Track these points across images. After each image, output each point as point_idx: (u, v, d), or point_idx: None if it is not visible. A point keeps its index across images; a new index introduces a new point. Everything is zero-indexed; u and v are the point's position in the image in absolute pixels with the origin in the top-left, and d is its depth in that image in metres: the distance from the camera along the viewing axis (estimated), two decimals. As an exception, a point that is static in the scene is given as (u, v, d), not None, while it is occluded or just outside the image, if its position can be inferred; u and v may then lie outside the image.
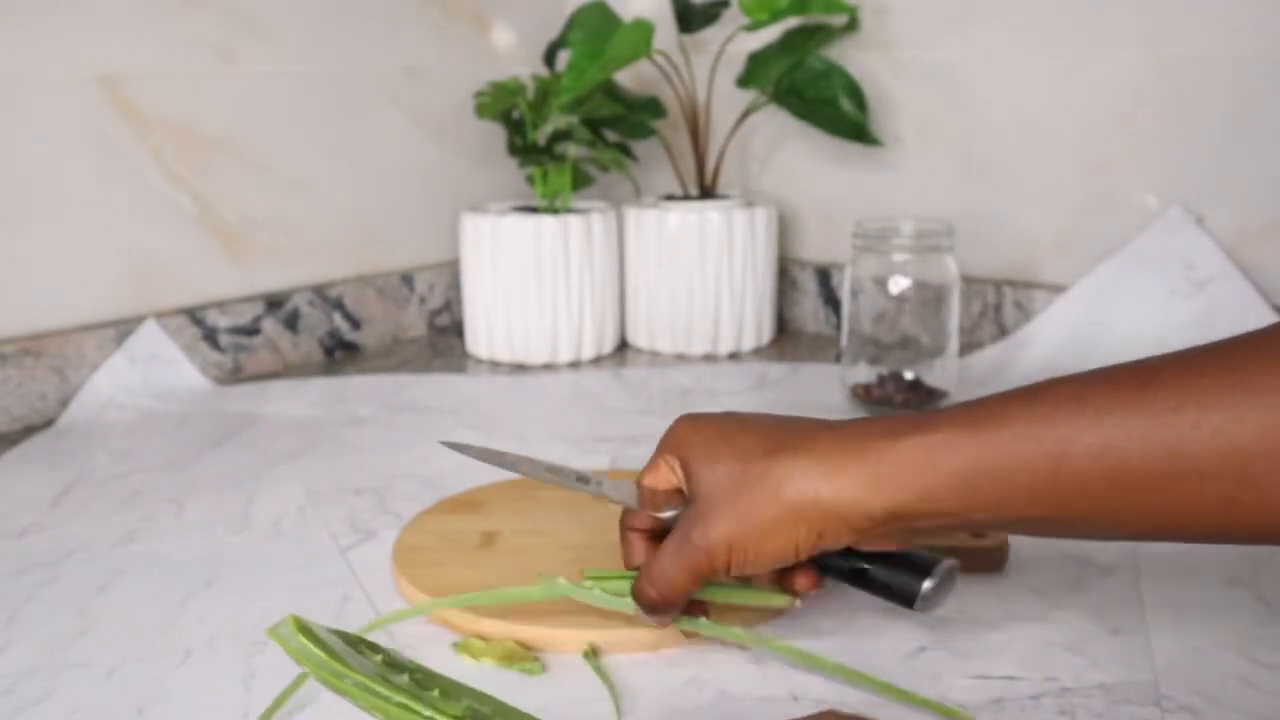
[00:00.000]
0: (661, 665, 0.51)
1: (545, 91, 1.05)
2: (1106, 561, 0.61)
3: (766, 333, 1.11)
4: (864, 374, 0.90)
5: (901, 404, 0.87)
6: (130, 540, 0.66)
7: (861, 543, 0.46)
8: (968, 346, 1.03)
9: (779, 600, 0.50)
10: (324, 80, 1.06)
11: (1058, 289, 1.01)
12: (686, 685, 0.50)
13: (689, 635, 0.52)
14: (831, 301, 1.15)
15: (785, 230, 1.17)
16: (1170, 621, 0.54)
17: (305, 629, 0.44)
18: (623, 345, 1.12)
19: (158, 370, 0.95)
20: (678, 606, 0.48)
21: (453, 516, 0.66)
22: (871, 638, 0.53)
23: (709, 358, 1.07)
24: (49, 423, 0.90)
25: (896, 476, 0.43)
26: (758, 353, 1.09)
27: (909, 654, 0.52)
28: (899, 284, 0.87)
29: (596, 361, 1.07)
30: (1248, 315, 0.89)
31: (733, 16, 1.11)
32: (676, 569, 0.47)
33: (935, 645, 0.52)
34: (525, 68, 1.21)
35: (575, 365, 1.05)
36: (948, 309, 0.88)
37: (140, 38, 0.94)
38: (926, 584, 0.48)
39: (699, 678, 0.50)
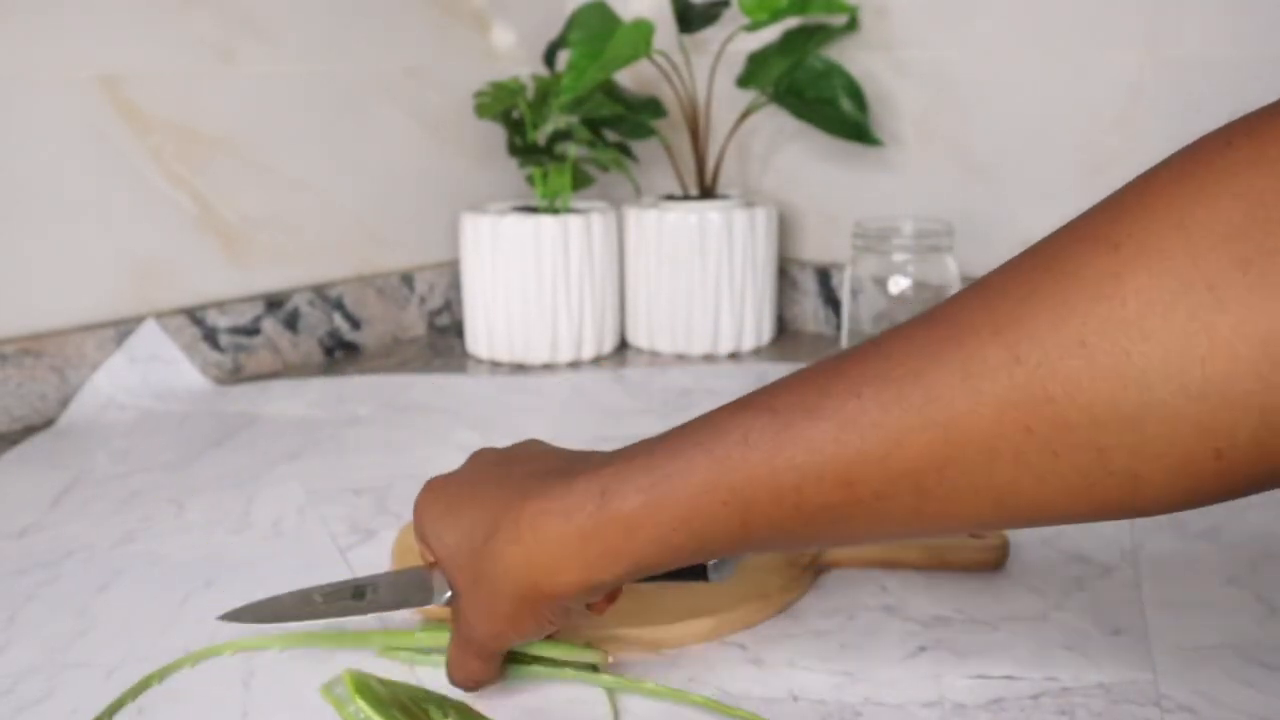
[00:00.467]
0: (661, 665, 0.51)
1: (545, 91, 1.05)
2: (1106, 561, 0.61)
3: (766, 333, 1.11)
4: (864, 374, 0.90)
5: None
6: (130, 540, 0.66)
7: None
8: (968, 346, 1.03)
9: (590, 656, 0.49)
10: (324, 80, 1.06)
11: (1058, 289, 1.01)
12: (686, 685, 0.50)
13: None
14: (831, 301, 1.15)
15: (785, 230, 1.17)
16: (1170, 621, 0.54)
17: (364, 688, 0.42)
18: (623, 345, 1.12)
19: (158, 370, 0.95)
20: (490, 681, 0.48)
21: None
22: (871, 638, 0.53)
23: (709, 358, 1.07)
24: (49, 423, 0.90)
25: (604, 554, 0.42)
26: (758, 353, 1.09)
27: (909, 654, 0.52)
28: (899, 284, 0.87)
29: (596, 361, 1.07)
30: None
31: (732, 16, 1.11)
32: (467, 659, 0.47)
33: (935, 645, 0.52)
34: (525, 68, 1.21)
35: (575, 365, 1.05)
36: (948, 309, 0.87)
37: (140, 38, 0.94)
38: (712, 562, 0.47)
39: (699, 678, 0.50)
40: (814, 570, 0.59)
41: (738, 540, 0.40)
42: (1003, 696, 0.48)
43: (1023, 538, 0.63)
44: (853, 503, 0.37)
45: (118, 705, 0.48)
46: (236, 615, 0.50)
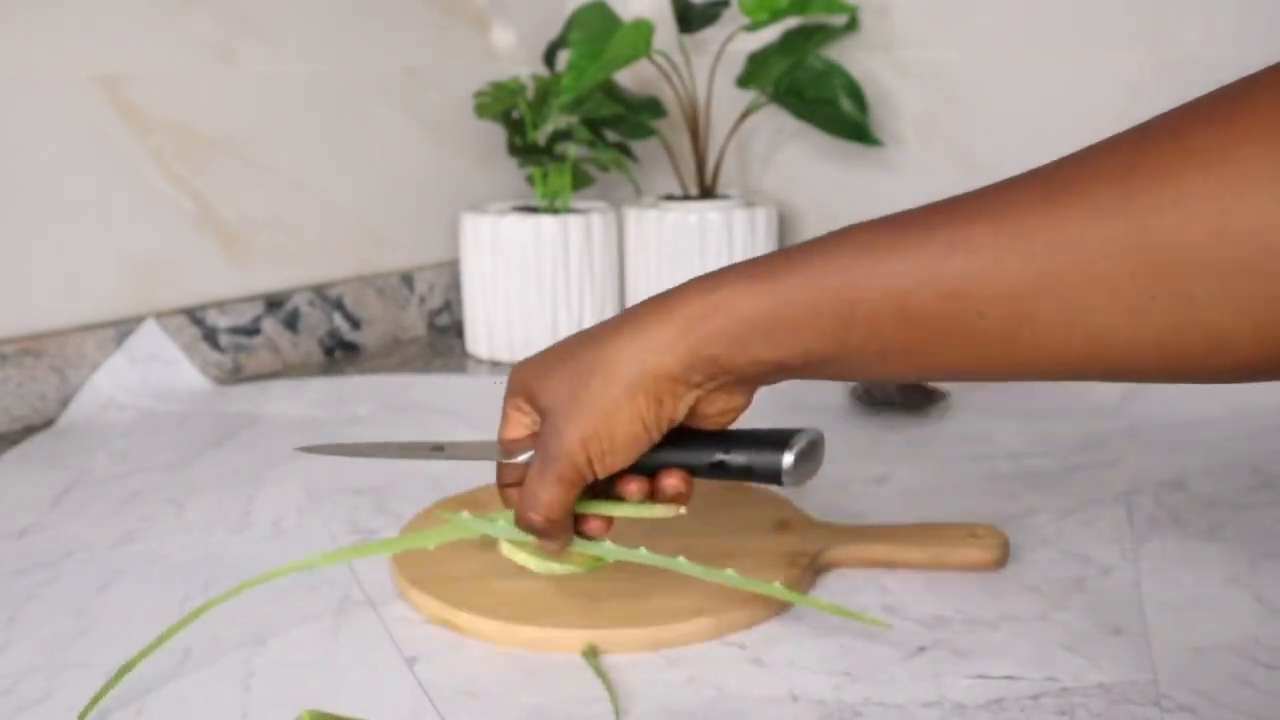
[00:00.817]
0: (661, 665, 0.51)
1: (545, 91, 1.05)
2: (1106, 561, 0.61)
3: (766, 333, 1.11)
4: (864, 374, 0.90)
5: (902, 404, 0.87)
6: (130, 540, 0.66)
7: (705, 409, 0.48)
8: (968, 346, 1.03)
9: (660, 511, 0.51)
10: (324, 80, 1.06)
11: (1058, 289, 1.01)
12: (686, 685, 0.50)
13: (592, 562, 0.53)
14: (831, 301, 1.15)
15: (785, 230, 1.17)
16: (1170, 621, 0.54)
17: None
18: (623, 345, 1.12)
19: (158, 370, 0.95)
20: (562, 523, 0.50)
21: (453, 516, 0.66)
22: (871, 638, 0.53)
23: (709, 358, 1.07)
24: (49, 423, 0.90)
25: (706, 330, 0.45)
26: (758, 353, 1.09)
27: (909, 653, 0.52)
28: (899, 284, 0.87)
29: (596, 361, 1.07)
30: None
31: (732, 16, 1.11)
32: (544, 484, 0.48)
33: (935, 645, 0.52)
34: (525, 68, 1.21)
35: (575, 365, 1.05)
36: (948, 309, 0.87)
37: (140, 38, 0.94)
38: (787, 458, 0.49)
39: (699, 677, 0.50)
40: (814, 570, 0.59)
41: (835, 344, 0.43)
42: (1003, 696, 0.48)
43: (1022, 538, 0.64)
44: (954, 315, 0.40)
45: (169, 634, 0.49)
46: (315, 449, 0.55)
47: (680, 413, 0.48)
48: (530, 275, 1.03)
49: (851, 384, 0.90)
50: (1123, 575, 0.59)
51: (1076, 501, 0.69)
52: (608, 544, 0.52)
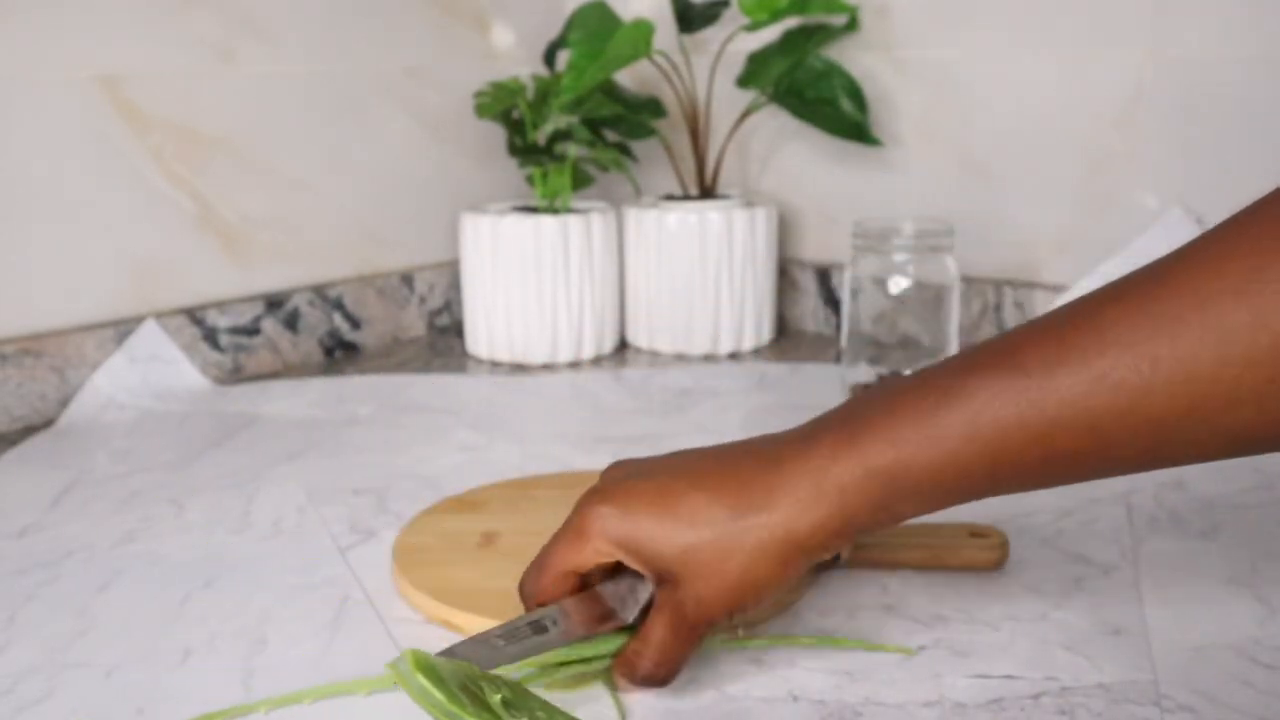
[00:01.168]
0: (661, 665, 0.51)
1: (545, 91, 1.05)
2: (1106, 561, 0.61)
3: (766, 333, 1.11)
4: (864, 374, 0.90)
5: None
6: (130, 540, 0.66)
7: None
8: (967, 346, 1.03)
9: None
10: (324, 80, 1.06)
11: (1057, 289, 1.01)
12: (686, 685, 0.50)
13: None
14: (831, 301, 1.15)
15: (785, 230, 1.17)
16: (1170, 621, 0.54)
17: (425, 666, 0.42)
18: (623, 345, 1.12)
19: (158, 370, 0.95)
20: (673, 678, 0.48)
21: (453, 516, 0.66)
22: (871, 638, 0.53)
23: (709, 358, 1.07)
24: (49, 423, 0.90)
25: (861, 505, 0.45)
26: (758, 353, 1.09)
27: (909, 653, 0.52)
28: (899, 284, 0.87)
29: (596, 361, 1.07)
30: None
31: (732, 16, 1.11)
32: (677, 643, 0.47)
33: (935, 645, 0.52)
34: (525, 68, 1.21)
35: (575, 365, 1.05)
36: (947, 309, 0.88)
37: (140, 38, 0.94)
38: None
39: (699, 678, 0.50)
40: (814, 570, 0.59)
41: (984, 488, 0.44)
42: (1002, 696, 0.48)
43: (1022, 538, 0.64)
44: (1096, 449, 0.41)
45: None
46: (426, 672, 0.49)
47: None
48: (530, 275, 1.03)
49: (851, 383, 0.90)
50: (1122, 575, 0.59)
51: (1076, 501, 0.69)
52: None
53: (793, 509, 0.45)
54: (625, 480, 0.49)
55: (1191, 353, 0.38)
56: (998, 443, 0.42)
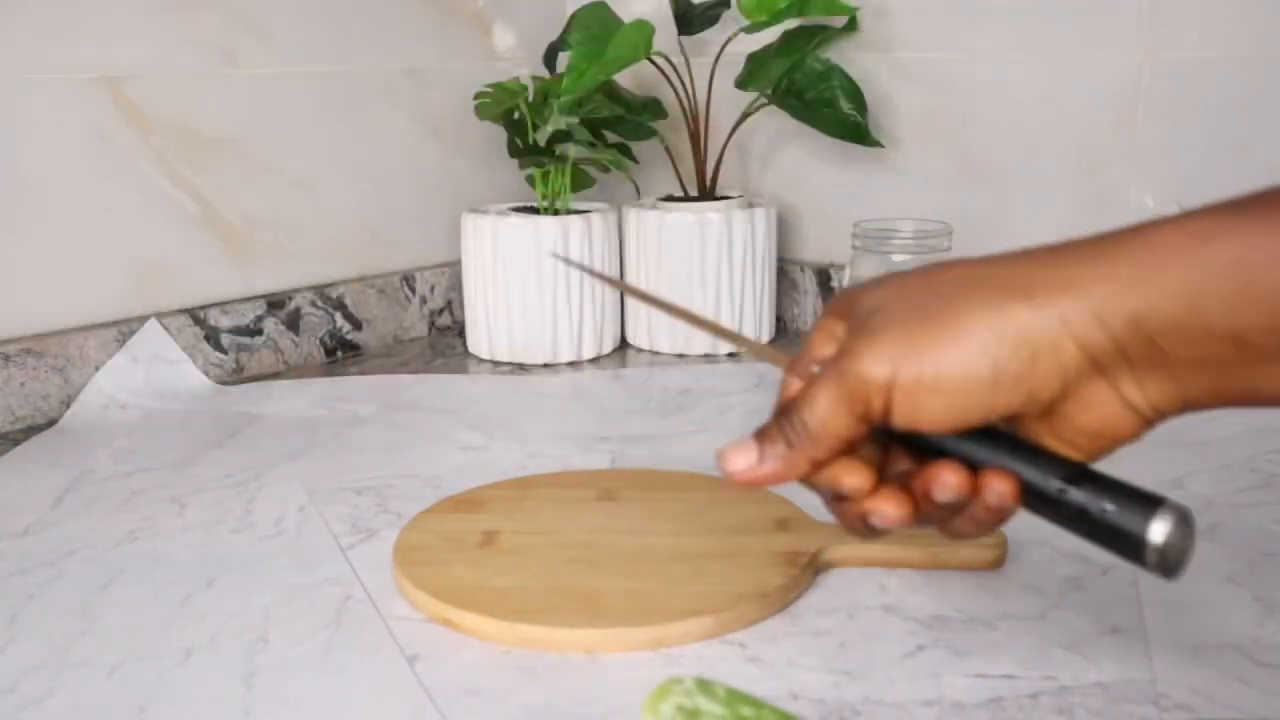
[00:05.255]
0: (661, 665, 0.51)
1: (545, 92, 1.06)
2: (1105, 561, 0.61)
3: (766, 333, 1.11)
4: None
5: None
6: (132, 539, 0.67)
7: (1072, 415, 0.36)
8: (967, 347, 1.03)
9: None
10: (325, 81, 1.07)
11: (1057, 289, 1.01)
12: (686, 684, 0.50)
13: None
14: (831, 302, 1.15)
15: (785, 230, 1.17)
16: (1168, 621, 0.54)
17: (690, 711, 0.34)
18: (623, 345, 1.12)
19: (160, 370, 0.95)
20: (818, 443, 0.38)
21: (453, 516, 0.66)
22: (870, 637, 0.53)
23: (709, 358, 1.07)
24: (51, 422, 0.90)
25: (1148, 266, 0.33)
26: (758, 353, 1.09)
27: (908, 653, 0.52)
28: (898, 284, 0.87)
29: (596, 361, 1.07)
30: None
31: (732, 18, 1.11)
32: (822, 392, 0.37)
33: (934, 644, 0.53)
34: (525, 68, 1.22)
35: (575, 365, 1.06)
36: (947, 309, 0.88)
37: (143, 38, 0.94)
38: (1158, 527, 0.35)
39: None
40: (814, 570, 0.59)
41: (1225, 332, 0.33)
42: (1001, 695, 0.48)
43: (1022, 538, 0.64)
44: None
45: None
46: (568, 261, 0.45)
47: (1049, 389, 0.35)
48: (530, 275, 1.03)
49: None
50: (1121, 575, 0.59)
51: (1075, 501, 0.69)
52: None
53: (1044, 257, 0.36)
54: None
55: None
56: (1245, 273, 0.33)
